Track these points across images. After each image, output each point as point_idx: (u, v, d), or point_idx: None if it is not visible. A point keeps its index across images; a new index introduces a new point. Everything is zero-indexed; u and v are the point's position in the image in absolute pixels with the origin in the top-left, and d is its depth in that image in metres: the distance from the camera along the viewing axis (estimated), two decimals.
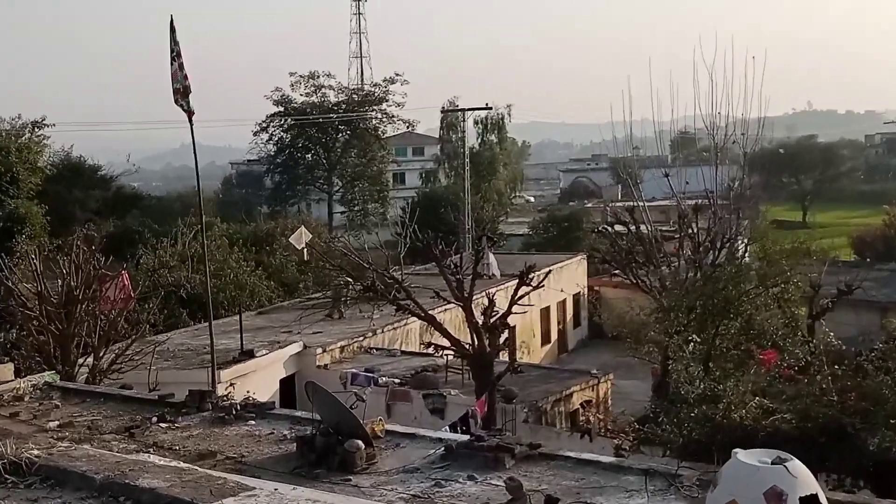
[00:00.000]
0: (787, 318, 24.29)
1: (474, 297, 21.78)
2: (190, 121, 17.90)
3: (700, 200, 30.45)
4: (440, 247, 21.97)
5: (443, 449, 10.01)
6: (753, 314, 22.71)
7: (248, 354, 23.29)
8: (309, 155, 76.45)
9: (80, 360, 19.56)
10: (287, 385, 24.34)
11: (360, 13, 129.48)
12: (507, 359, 23.81)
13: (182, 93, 17.34)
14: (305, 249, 35.62)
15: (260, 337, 26.33)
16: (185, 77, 17.27)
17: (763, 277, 23.50)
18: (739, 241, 29.44)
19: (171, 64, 17.22)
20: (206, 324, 22.63)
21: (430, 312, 22.49)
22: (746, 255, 29.32)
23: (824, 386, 16.27)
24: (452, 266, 21.83)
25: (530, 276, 21.38)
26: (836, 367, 19.96)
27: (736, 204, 29.92)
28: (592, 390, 24.99)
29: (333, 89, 74.68)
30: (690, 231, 29.03)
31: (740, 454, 7.02)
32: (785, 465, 6.77)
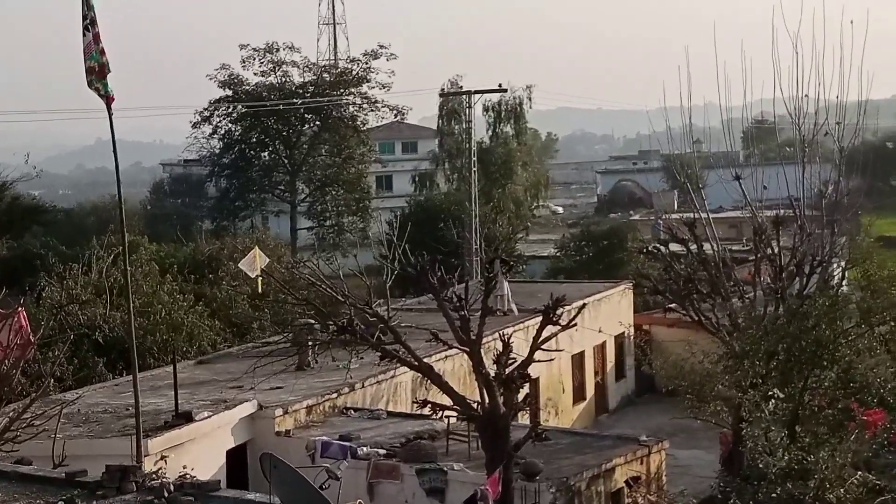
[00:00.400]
0: None
1: (484, 341, 21.76)
2: (108, 109, 17.98)
3: (782, 211, 30.50)
4: (439, 273, 21.99)
5: None
6: (854, 361, 22.73)
7: (186, 418, 23.24)
8: (266, 153, 76.67)
9: None
10: (237, 458, 24.24)
11: None
12: (527, 421, 23.76)
13: (98, 72, 17.42)
14: (260, 278, 35.64)
15: (201, 394, 26.25)
16: (102, 52, 17.36)
17: (866, 312, 23.55)
18: (835, 265, 29.48)
19: (84, 35, 17.31)
20: (130, 377, 22.58)
21: (425, 361, 22.45)
22: (844, 282, 29.35)
23: None
24: (455, 299, 21.83)
25: (558, 313, 21.37)
26: None
27: (830, 215, 29.98)
28: (641, 463, 24.93)
29: (298, 66, 75.09)
30: (770, 251, 29.07)
31: None
32: None
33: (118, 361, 31.62)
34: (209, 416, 23.83)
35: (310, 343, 28.08)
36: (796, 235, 29.18)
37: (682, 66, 32.57)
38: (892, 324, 24.06)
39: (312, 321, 26.34)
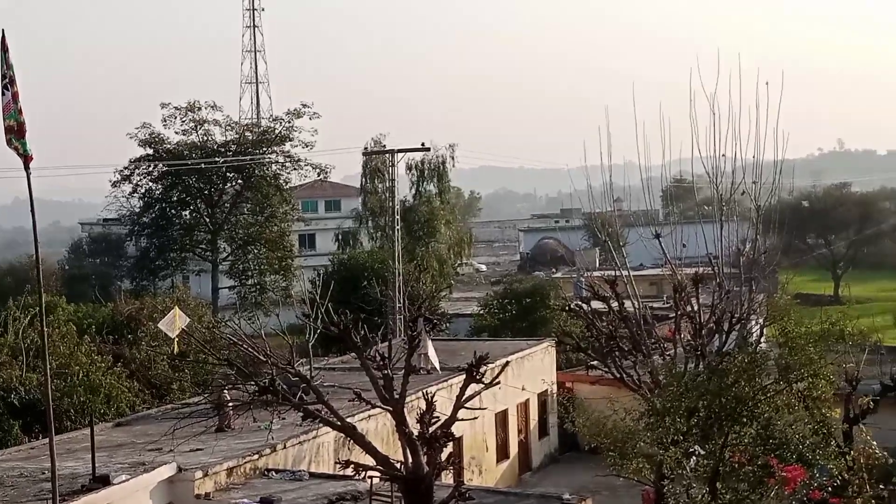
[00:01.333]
0: (817, 423, 24.62)
1: (408, 400, 21.71)
2: (27, 168, 17.83)
3: (701, 269, 30.89)
4: (362, 332, 21.95)
5: None
6: (773, 417, 22.99)
7: (103, 481, 22.92)
8: (187, 212, 76.28)
9: None
10: None
11: (254, 26, 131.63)
12: (451, 481, 23.68)
13: (17, 131, 17.29)
14: (178, 339, 35.32)
15: (119, 457, 25.90)
16: (21, 111, 17.23)
17: (785, 369, 23.84)
18: (753, 322, 29.86)
19: (3, 94, 17.20)
20: (46, 440, 22.24)
21: (348, 420, 22.34)
22: (763, 339, 29.73)
23: None
24: (379, 358, 21.78)
25: (482, 371, 21.40)
26: (882, 486, 20.25)
27: (748, 273, 30.43)
28: None
29: (220, 125, 74.92)
30: (689, 309, 29.40)
31: None
32: None
33: (34, 424, 31.14)
34: (127, 480, 23.49)
35: (229, 403, 27.83)
36: (715, 293, 29.58)
37: (601, 126, 33.08)
38: (810, 380, 24.37)
39: (232, 380, 26.10)
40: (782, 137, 31.31)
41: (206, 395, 28.91)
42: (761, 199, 31.56)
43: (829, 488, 22.40)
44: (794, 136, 32.64)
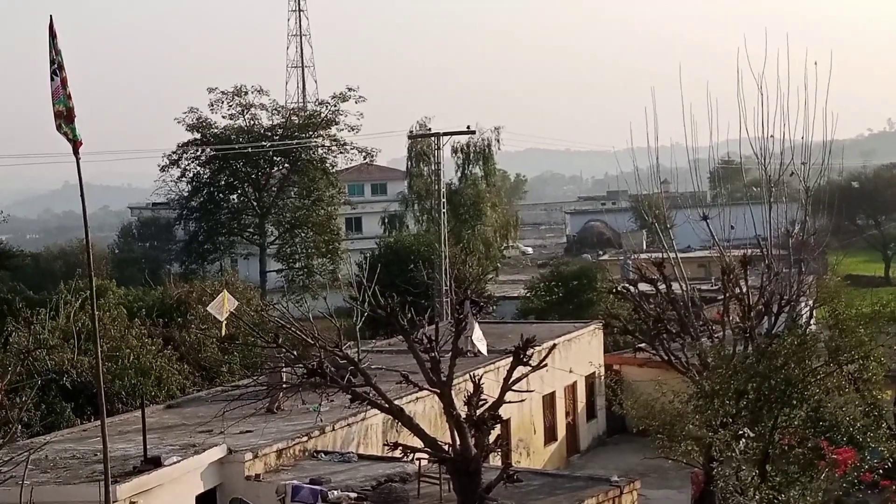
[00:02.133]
0: (868, 405, 24.40)
1: (455, 382, 21.73)
2: (76, 153, 17.93)
3: (750, 250, 30.68)
4: (409, 315, 21.98)
5: None
6: (823, 400, 22.81)
7: (155, 463, 23.09)
8: (234, 196, 76.58)
9: None
10: (206, 503, 24.07)
11: (299, 10, 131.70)
12: (499, 463, 23.69)
13: (66, 117, 17.39)
14: (224, 321, 35.50)
15: (170, 439, 26.11)
16: (70, 97, 17.33)
17: (835, 351, 23.64)
18: (803, 304, 29.64)
19: (52, 80, 17.29)
20: (98, 422, 22.41)
21: (396, 403, 22.40)
22: (812, 321, 29.50)
23: None
24: (426, 341, 21.82)
25: (529, 353, 21.38)
26: None
27: (797, 255, 30.18)
28: (613, 503, 24.92)
29: (266, 109, 75.09)
30: (738, 291, 29.22)
31: None
32: None
33: (86, 406, 31.43)
34: (178, 461, 23.67)
35: (281, 385, 27.98)
36: (764, 275, 29.37)
37: (648, 107, 32.87)
38: (861, 362, 24.16)
39: (283, 365, 26.24)
40: (831, 118, 31.04)
41: (256, 378, 29.02)
42: (810, 180, 31.26)
43: (881, 470, 22.24)
44: (843, 117, 32.32)
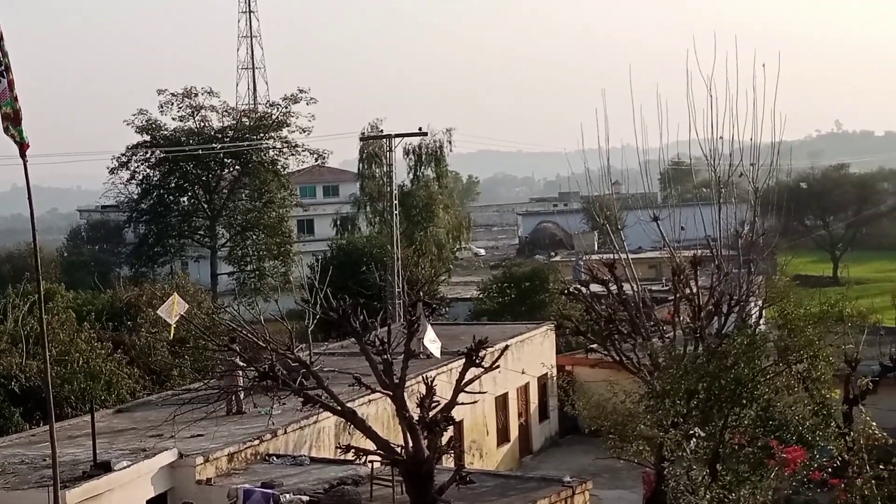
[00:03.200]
0: (817, 404, 24.65)
1: (408, 384, 21.74)
2: (23, 155, 17.80)
3: (700, 251, 30.89)
4: (361, 317, 21.95)
5: None
6: (773, 399, 23.00)
7: (104, 467, 22.93)
8: (185, 198, 76.29)
9: None
10: None
11: (249, 11, 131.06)
12: (452, 465, 23.71)
13: (13, 119, 17.25)
14: (172, 326, 35.30)
15: (120, 443, 25.92)
16: (16, 99, 17.20)
17: (784, 351, 23.86)
18: (752, 304, 29.87)
19: None
20: (47, 427, 22.24)
21: (348, 405, 22.36)
22: (762, 321, 29.74)
23: (867, 492, 16.49)
24: (378, 343, 21.80)
25: (481, 355, 21.42)
26: (882, 466, 20.27)
27: (746, 255, 30.43)
28: (566, 503, 25.00)
29: (217, 111, 74.87)
30: (688, 291, 29.41)
31: None
32: None
33: (35, 411, 31.16)
34: (128, 466, 23.51)
35: (240, 387, 27.87)
36: (714, 275, 29.59)
37: (599, 108, 32.99)
38: (810, 362, 24.40)
39: (242, 365, 26.12)
40: (780, 119, 31.29)
41: (207, 381, 28.90)
42: (759, 181, 31.54)
43: (829, 469, 22.44)
44: (791, 118, 32.62)
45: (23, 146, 17.61)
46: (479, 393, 22.51)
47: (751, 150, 31.36)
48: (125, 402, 33.79)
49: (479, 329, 40.70)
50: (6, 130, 17.34)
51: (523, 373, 39.31)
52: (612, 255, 32.65)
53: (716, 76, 30.44)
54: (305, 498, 23.35)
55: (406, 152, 79.07)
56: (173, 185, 75.01)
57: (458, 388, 21.31)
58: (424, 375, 25.89)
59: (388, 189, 59.84)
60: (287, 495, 23.32)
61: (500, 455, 38.27)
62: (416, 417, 20.83)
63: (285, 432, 27.54)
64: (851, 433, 23.73)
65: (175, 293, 36.58)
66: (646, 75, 36.34)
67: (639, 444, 24.80)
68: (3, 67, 17.13)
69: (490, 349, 22.63)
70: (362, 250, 62.28)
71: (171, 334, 35.40)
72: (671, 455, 22.21)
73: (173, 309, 34.51)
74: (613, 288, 30.51)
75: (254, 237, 75.35)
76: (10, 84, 17.17)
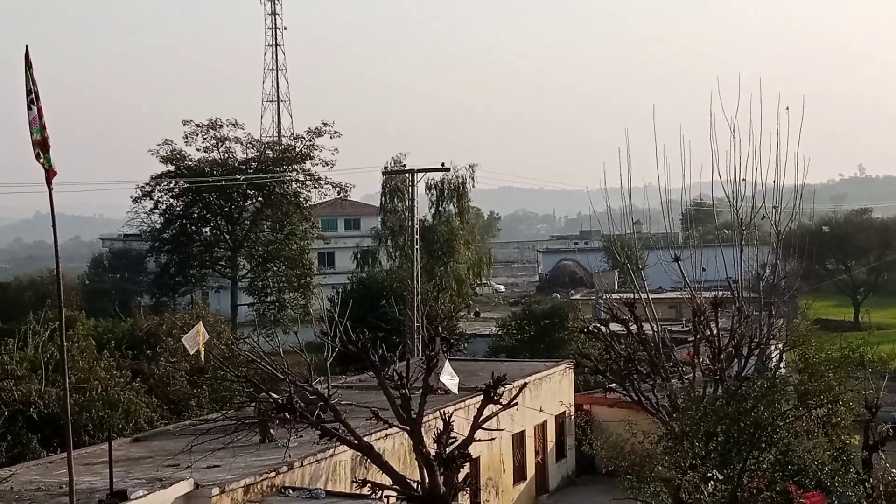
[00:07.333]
0: (836, 449, 24.50)
1: (425, 420, 21.73)
2: (49, 183, 17.91)
3: (721, 293, 30.82)
4: (380, 351, 21.97)
5: None
6: (792, 443, 22.89)
7: (121, 496, 22.92)
8: (207, 229, 76.47)
9: None
10: None
11: (276, 45, 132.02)
12: (468, 502, 23.65)
13: (42, 146, 17.39)
14: (201, 353, 35.36)
15: (137, 472, 25.90)
16: (44, 127, 17.34)
17: (804, 395, 23.76)
18: (772, 347, 29.77)
19: (29, 109, 17.30)
20: (65, 454, 22.26)
21: (365, 439, 22.34)
22: (782, 365, 29.63)
23: None
24: (396, 377, 21.80)
25: (499, 391, 21.40)
26: None
27: (767, 298, 30.35)
28: None
29: (241, 142, 75.11)
30: (709, 333, 29.33)
31: None
32: None
33: (53, 438, 31.15)
34: (144, 495, 23.48)
35: (272, 416, 27.86)
36: (734, 317, 29.52)
37: (622, 148, 33.06)
38: (830, 406, 24.29)
39: (272, 396, 26.11)
40: (803, 162, 31.30)
41: (225, 412, 28.91)
42: (781, 224, 31.50)
43: None
44: (814, 161, 32.63)
45: (49, 173, 17.73)
46: (497, 430, 22.48)
47: (773, 192, 31.35)
48: (143, 430, 33.76)
49: (497, 366, 40.65)
50: (38, 157, 17.48)
51: (541, 411, 39.20)
52: (632, 295, 32.62)
53: (739, 118, 30.53)
54: None
55: (428, 187, 79.44)
56: (196, 215, 75.18)
57: (476, 424, 21.30)
58: (442, 411, 25.86)
59: (410, 223, 59.90)
60: None
61: (517, 493, 38.09)
62: (432, 453, 20.80)
63: (301, 465, 27.48)
64: (870, 479, 23.59)
65: (200, 323, 36.68)
66: (669, 115, 36.42)
67: (656, 486, 24.64)
68: (33, 95, 17.30)
69: (508, 386, 22.62)
70: (382, 284, 62.29)
71: (202, 357, 35.43)
72: (689, 497, 22.08)
73: (197, 338, 34.61)
74: (633, 327, 30.48)
75: (275, 269, 75.41)
76: (40, 112, 17.34)
